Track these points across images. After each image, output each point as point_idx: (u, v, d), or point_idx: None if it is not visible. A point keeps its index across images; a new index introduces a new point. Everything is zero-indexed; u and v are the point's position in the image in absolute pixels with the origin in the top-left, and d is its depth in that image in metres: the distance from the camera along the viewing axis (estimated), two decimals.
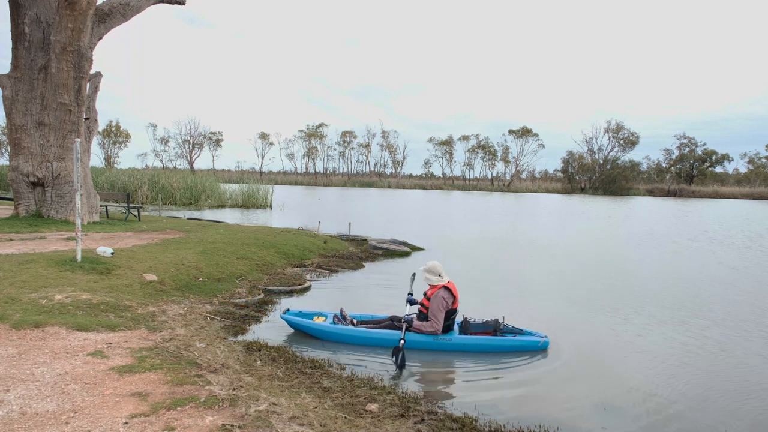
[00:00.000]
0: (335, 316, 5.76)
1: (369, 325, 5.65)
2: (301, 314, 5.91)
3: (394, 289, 8.23)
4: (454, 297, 5.43)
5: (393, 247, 11.93)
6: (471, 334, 5.42)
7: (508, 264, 11.30)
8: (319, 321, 5.70)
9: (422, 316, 5.51)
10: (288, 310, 5.88)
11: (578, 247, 14.49)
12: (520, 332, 5.53)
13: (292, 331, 5.73)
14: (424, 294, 5.64)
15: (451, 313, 5.39)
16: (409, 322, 5.33)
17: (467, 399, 4.15)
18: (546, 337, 5.49)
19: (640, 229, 19.77)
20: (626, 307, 7.43)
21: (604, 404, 4.14)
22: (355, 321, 5.70)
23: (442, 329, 5.32)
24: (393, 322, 5.59)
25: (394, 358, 4.80)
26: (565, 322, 6.54)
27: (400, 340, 5.02)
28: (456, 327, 5.54)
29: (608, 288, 8.78)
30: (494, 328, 5.47)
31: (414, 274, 6.12)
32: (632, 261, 12.02)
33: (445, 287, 5.41)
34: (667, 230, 19.75)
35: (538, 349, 5.36)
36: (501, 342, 5.36)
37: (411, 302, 5.77)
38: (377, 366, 4.80)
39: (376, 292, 8.01)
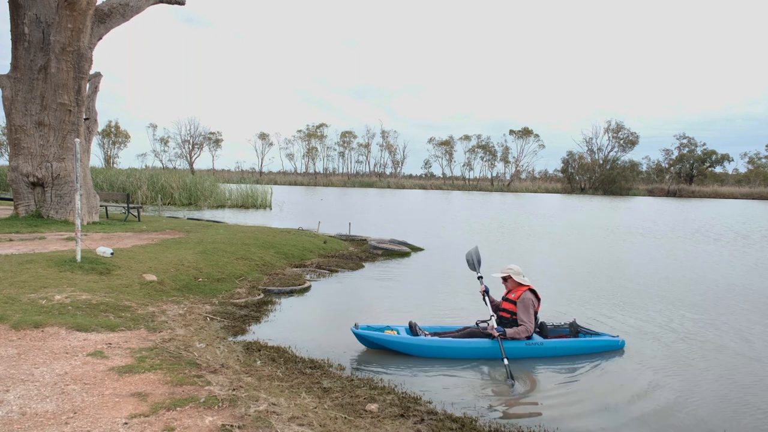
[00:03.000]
0: (415, 328, 5.31)
1: (448, 336, 5.32)
2: (370, 328, 5.36)
3: (393, 285, 8.24)
4: (539, 300, 5.38)
5: (393, 247, 11.93)
6: (548, 338, 5.35)
7: (511, 262, 11.28)
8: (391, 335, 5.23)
9: (502, 320, 5.34)
10: (357, 324, 5.28)
11: (580, 244, 14.50)
12: (595, 333, 5.53)
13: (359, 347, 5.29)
14: (504, 298, 5.49)
15: (536, 316, 5.33)
16: (503, 333, 5.07)
17: (467, 399, 4.15)
18: (618, 336, 5.54)
19: (642, 225, 19.80)
20: (633, 303, 7.44)
21: (604, 405, 4.14)
22: (428, 333, 5.32)
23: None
24: (476, 329, 5.32)
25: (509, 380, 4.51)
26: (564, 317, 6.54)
27: (503, 359, 4.73)
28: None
29: (617, 283, 8.79)
30: (572, 330, 5.48)
31: (477, 262, 5.81)
32: (630, 255, 12.03)
33: (531, 290, 5.33)
34: (665, 227, 19.78)
35: (617, 348, 5.41)
36: (585, 343, 5.33)
37: (487, 291, 5.50)
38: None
39: (377, 293, 8.01)
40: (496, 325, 5.16)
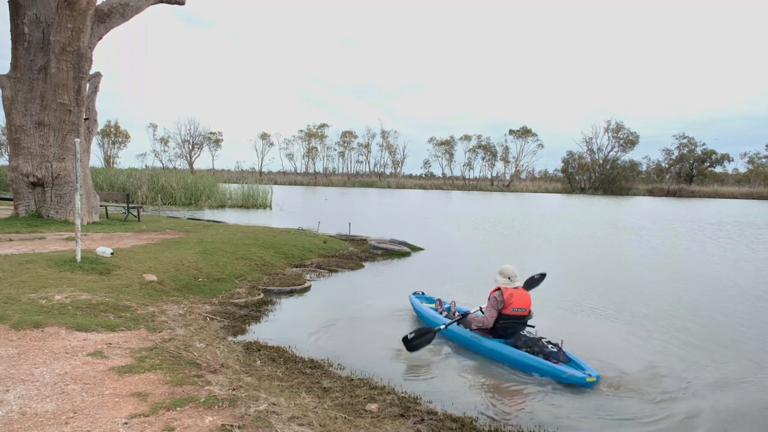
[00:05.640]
0: (438, 301, 6.54)
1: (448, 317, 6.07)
2: (429, 301, 6.79)
3: (393, 284, 8.23)
4: (504, 302, 5.17)
5: (393, 247, 11.93)
6: (516, 347, 5.09)
7: (511, 261, 11.27)
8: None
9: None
10: (421, 293, 6.95)
11: (581, 244, 14.50)
12: (566, 360, 4.75)
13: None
14: None
15: (503, 318, 5.20)
16: (464, 314, 5.78)
17: (467, 399, 4.15)
18: (592, 377, 4.47)
19: (643, 224, 19.80)
20: (631, 306, 7.44)
21: (602, 405, 4.14)
22: (458, 313, 6.06)
23: (491, 331, 5.32)
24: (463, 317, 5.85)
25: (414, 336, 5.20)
26: (565, 321, 6.54)
27: (439, 326, 5.53)
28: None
29: (611, 287, 8.79)
30: (531, 345, 5.00)
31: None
32: (627, 253, 12.04)
33: (499, 289, 5.29)
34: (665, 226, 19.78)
35: (562, 381, 4.52)
36: (525, 359, 4.87)
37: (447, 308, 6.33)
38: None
39: (377, 292, 8.00)
40: (465, 311, 5.96)
